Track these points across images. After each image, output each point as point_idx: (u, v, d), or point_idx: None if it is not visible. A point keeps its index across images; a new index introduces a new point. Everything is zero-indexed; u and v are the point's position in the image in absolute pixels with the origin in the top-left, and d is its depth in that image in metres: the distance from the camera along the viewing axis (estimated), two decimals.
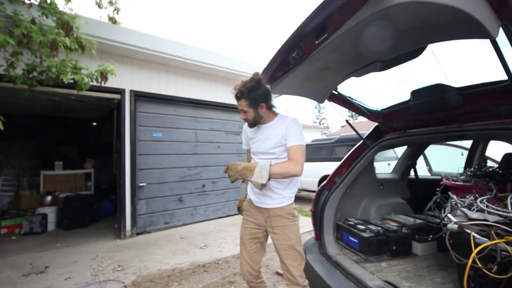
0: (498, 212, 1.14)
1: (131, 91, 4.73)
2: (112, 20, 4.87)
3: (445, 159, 3.89)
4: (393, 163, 3.28)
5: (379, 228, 1.88)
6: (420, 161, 3.27)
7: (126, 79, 4.70)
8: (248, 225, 1.85)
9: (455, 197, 1.63)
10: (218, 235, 4.58)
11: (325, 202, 2.12)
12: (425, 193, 2.50)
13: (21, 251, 3.93)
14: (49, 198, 5.71)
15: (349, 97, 2.25)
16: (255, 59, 36.87)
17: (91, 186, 6.64)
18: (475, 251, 1.04)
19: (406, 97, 2.07)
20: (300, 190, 8.95)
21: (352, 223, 2.04)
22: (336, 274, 1.68)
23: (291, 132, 1.66)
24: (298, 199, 9.25)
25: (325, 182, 2.26)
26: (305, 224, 5.08)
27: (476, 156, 2.93)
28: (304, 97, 2.04)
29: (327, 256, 1.90)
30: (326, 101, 2.16)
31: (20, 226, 4.88)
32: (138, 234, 4.65)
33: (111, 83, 4.07)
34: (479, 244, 1.07)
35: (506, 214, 1.12)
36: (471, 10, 0.89)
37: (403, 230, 1.87)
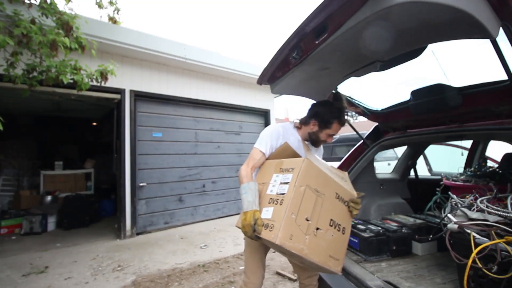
0: (498, 212, 1.14)
1: (131, 91, 4.73)
2: (112, 20, 4.86)
3: (445, 159, 3.89)
4: (393, 163, 3.28)
5: (379, 228, 1.88)
6: (420, 161, 3.27)
7: (126, 79, 4.70)
8: None
9: (455, 197, 1.63)
10: (218, 235, 4.58)
11: None
12: (425, 193, 2.50)
13: (21, 251, 3.92)
14: (49, 198, 5.72)
15: (349, 97, 2.25)
16: (255, 59, 36.91)
17: (91, 186, 6.65)
18: (475, 251, 1.04)
19: (406, 97, 2.07)
20: None
21: (352, 223, 2.04)
22: (336, 274, 1.68)
23: None
24: None
25: None
26: None
27: (476, 156, 2.93)
28: (304, 97, 2.04)
29: None
30: None
31: (20, 226, 4.88)
32: (138, 234, 4.65)
33: (111, 83, 4.07)
34: (479, 244, 1.07)
35: (506, 214, 1.12)
36: (471, 10, 0.89)
37: (403, 230, 1.87)
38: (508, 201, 1.15)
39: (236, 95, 6.40)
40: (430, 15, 0.97)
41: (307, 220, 1.23)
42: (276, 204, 1.27)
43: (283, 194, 1.26)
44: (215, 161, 5.92)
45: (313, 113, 1.63)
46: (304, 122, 1.68)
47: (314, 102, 1.74)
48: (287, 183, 1.28)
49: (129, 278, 2.99)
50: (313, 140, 1.67)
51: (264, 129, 1.66)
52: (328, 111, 1.60)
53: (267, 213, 1.29)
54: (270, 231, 1.21)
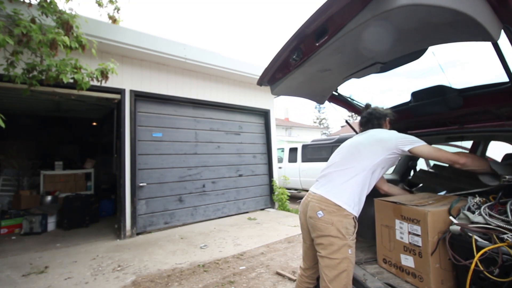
0: (500, 217, 1.14)
1: (131, 91, 4.73)
2: (112, 19, 4.85)
3: None
4: None
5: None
6: (421, 161, 3.26)
7: (126, 79, 4.70)
8: None
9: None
10: (218, 235, 4.58)
11: None
12: None
13: (21, 251, 3.92)
14: (49, 198, 5.72)
15: (350, 98, 2.24)
16: (255, 59, 36.79)
17: (91, 186, 6.65)
18: (478, 255, 1.05)
19: (407, 98, 2.07)
20: (300, 190, 8.95)
21: None
22: None
23: None
24: (298, 199, 9.25)
25: None
26: None
27: None
28: (304, 98, 2.04)
29: None
30: (326, 101, 2.16)
31: (20, 226, 4.88)
32: (138, 234, 4.65)
33: (111, 83, 4.07)
34: (481, 247, 1.07)
35: (508, 221, 1.12)
36: (472, 12, 0.89)
37: None
38: (508, 207, 1.15)
39: (236, 95, 6.40)
40: (431, 18, 0.97)
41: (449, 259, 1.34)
42: (414, 255, 1.45)
43: (419, 246, 1.41)
44: (215, 161, 5.91)
45: (384, 115, 1.89)
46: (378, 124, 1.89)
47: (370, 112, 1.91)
48: (417, 235, 1.42)
49: (129, 278, 2.99)
50: None
51: (399, 133, 1.66)
52: (389, 111, 1.92)
53: (407, 261, 1.49)
54: (421, 281, 1.41)
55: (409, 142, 1.56)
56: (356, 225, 1.53)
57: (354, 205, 1.51)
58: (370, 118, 1.89)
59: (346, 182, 1.54)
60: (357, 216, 1.53)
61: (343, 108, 2.34)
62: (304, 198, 1.72)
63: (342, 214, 1.47)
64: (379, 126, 1.85)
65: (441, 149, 1.53)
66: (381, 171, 1.63)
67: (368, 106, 2.01)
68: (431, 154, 1.53)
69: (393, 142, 1.59)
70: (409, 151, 1.55)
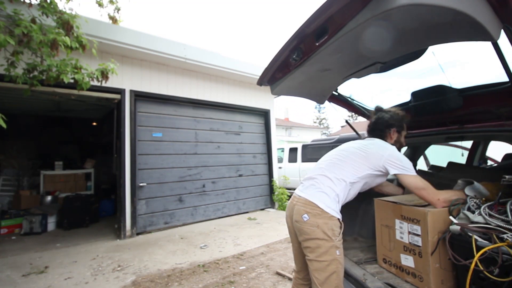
0: (500, 217, 1.14)
1: (131, 91, 4.73)
2: (113, 19, 4.86)
3: (445, 160, 3.88)
4: None
5: None
6: (421, 161, 3.26)
7: (126, 79, 4.70)
8: None
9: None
10: (218, 235, 4.58)
11: None
12: None
13: (21, 251, 3.93)
14: (49, 198, 5.72)
15: (349, 98, 2.24)
16: (255, 59, 36.78)
17: (91, 186, 6.65)
18: (478, 254, 1.05)
19: (407, 98, 2.07)
20: None
21: None
22: None
23: None
24: None
25: None
26: None
27: (476, 156, 2.93)
28: (304, 98, 2.04)
29: None
30: (326, 101, 2.16)
31: (20, 226, 4.88)
32: (138, 234, 4.65)
33: (111, 83, 4.07)
34: (481, 247, 1.07)
35: (508, 220, 1.12)
36: (472, 12, 0.89)
37: None
38: (508, 207, 1.15)
39: (236, 95, 6.40)
40: (431, 18, 0.97)
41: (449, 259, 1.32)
42: (414, 255, 1.43)
43: (419, 246, 1.40)
44: (215, 161, 5.92)
45: (388, 125, 1.71)
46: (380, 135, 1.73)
47: (378, 118, 1.76)
48: (417, 234, 1.41)
49: (129, 278, 2.99)
50: (398, 146, 1.73)
51: (395, 152, 1.53)
52: (399, 118, 1.73)
53: (407, 261, 1.48)
54: (421, 281, 1.40)
55: (399, 167, 1.45)
56: (342, 225, 1.52)
57: (337, 209, 1.51)
58: (375, 128, 1.75)
59: (328, 187, 1.51)
60: (341, 218, 1.52)
61: (343, 108, 2.34)
62: (289, 202, 1.68)
63: (327, 216, 1.46)
64: (382, 137, 1.69)
65: (429, 188, 1.40)
66: (362, 185, 1.56)
67: (378, 109, 1.82)
68: (413, 188, 1.42)
69: (381, 160, 1.49)
70: (394, 174, 1.48)
